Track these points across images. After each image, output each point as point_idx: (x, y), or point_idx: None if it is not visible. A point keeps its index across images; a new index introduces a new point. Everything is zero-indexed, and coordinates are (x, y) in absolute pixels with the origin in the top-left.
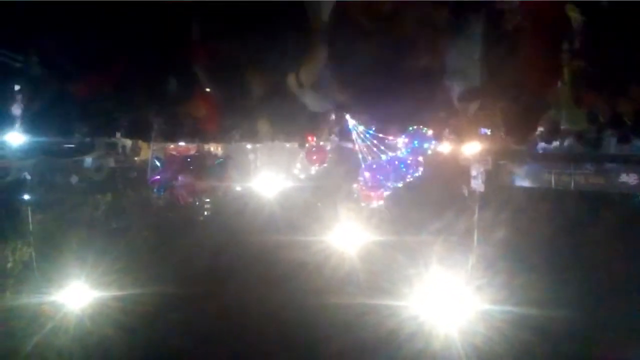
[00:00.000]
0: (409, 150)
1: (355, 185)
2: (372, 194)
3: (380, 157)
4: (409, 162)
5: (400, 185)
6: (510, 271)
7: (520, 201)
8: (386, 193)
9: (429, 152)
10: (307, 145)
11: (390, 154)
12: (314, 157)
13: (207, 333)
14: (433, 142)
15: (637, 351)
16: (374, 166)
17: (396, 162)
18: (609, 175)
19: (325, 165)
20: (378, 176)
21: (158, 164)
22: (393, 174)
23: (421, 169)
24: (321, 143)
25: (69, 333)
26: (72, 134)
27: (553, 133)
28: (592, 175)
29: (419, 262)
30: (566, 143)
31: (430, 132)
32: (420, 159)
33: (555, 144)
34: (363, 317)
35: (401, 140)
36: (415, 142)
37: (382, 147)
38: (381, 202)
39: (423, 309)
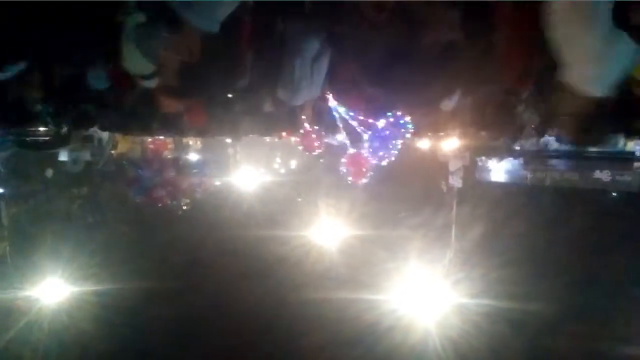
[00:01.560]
0: (388, 131)
1: (342, 160)
2: (360, 169)
3: (362, 137)
4: (388, 135)
5: (384, 163)
6: (488, 265)
7: (496, 197)
8: (370, 173)
9: (408, 135)
10: (301, 131)
11: (369, 134)
12: (310, 143)
13: (185, 327)
14: (410, 125)
15: (612, 343)
16: (359, 144)
17: (379, 141)
18: (582, 172)
19: (320, 151)
20: (369, 150)
21: (129, 165)
22: (378, 152)
23: (400, 147)
24: (315, 127)
25: (44, 329)
26: (47, 126)
27: (529, 130)
28: (567, 171)
29: (398, 257)
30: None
31: (408, 117)
32: (399, 142)
33: (532, 140)
34: (342, 311)
35: (382, 122)
36: (401, 121)
37: (363, 128)
38: (365, 181)
39: (402, 303)
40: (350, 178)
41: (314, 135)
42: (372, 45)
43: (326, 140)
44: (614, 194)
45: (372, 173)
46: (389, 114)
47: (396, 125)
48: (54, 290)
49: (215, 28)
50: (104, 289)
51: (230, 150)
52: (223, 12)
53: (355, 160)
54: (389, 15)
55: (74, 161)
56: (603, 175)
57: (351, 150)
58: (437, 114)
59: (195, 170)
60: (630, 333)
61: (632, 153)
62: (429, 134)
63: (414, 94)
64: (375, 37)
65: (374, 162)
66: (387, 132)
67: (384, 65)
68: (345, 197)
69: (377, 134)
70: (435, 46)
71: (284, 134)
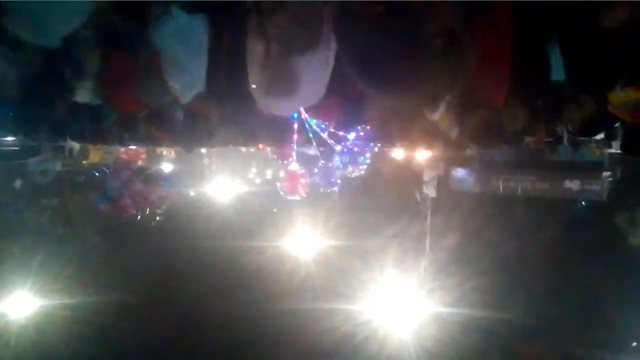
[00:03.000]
0: (357, 141)
1: (281, 177)
2: (294, 184)
3: (334, 149)
4: (355, 150)
5: (353, 175)
6: (462, 274)
7: (470, 206)
8: (306, 182)
9: (375, 148)
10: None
11: (337, 147)
12: (282, 151)
13: (159, 341)
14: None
15: (584, 350)
16: (331, 156)
17: (348, 155)
18: (553, 181)
19: (292, 159)
20: (339, 163)
21: (97, 174)
22: (347, 165)
23: (367, 163)
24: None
25: (10, 344)
26: (16, 136)
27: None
28: (538, 181)
29: (374, 266)
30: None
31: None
32: (368, 155)
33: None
34: (319, 322)
35: (353, 135)
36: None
37: (332, 141)
38: (302, 195)
39: (377, 313)
40: (286, 193)
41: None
42: (371, 42)
43: (301, 150)
44: (583, 203)
45: (307, 189)
46: (359, 127)
47: (365, 138)
48: (22, 304)
49: (55, 43)
50: (74, 302)
51: (206, 161)
52: (62, 29)
53: (291, 177)
54: (386, 9)
55: (44, 172)
56: (573, 184)
57: (293, 167)
58: (423, 124)
59: (165, 181)
60: (602, 340)
61: (601, 162)
62: (415, 145)
63: (413, 91)
64: (373, 33)
65: (323, 182)
66: (356, 148)
67: (383, 62)
68: (320, 207)
69: (347, 148)
70: (438, 36)
71: (260, 145)
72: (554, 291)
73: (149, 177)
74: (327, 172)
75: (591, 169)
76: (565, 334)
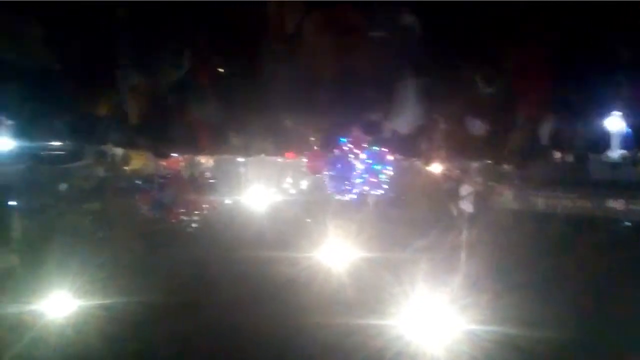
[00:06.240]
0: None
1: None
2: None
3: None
4: (364, 177)
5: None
6: (497, 291)
7: (507, 222)
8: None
9: (383, 176)
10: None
11: (357, 165)
12: (316, 165)
13: (191, 346)
14: (388, 167)
15: None
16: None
17: (355, 172)
18: (595, 200)
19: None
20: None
21: (140, 182)
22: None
23: (379, 189)
24: (322, 150)
25: (50, 343)
26: (62, 141)
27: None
28: (579, 199)
29: (406, 280)
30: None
31: (388, 157)
32: (375, 180)
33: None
34: (350, 336)
35: (363, 157)
36: (371, 162)
37: (351, 156)
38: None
39: (409, 328)
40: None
41: (320, 158)
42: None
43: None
44: (627, 223)
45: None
46: (375, 148)
47: (374, 161)
48: (61, 303)
49: None
50: (112, 304)
51: (242, 169)
52: None
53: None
54: (291, 46)
55: (87, 176)
56: (617, 204)
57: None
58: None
59: (209, 188)
60: None
61: None
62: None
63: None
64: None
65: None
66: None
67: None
68: (354, 218)
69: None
70: (339, 72)
71: (287, 154)
72: (593, 312)
73: (197, 184)
74: (339, 181)
75: (636, 188)
76: (603, 355)
